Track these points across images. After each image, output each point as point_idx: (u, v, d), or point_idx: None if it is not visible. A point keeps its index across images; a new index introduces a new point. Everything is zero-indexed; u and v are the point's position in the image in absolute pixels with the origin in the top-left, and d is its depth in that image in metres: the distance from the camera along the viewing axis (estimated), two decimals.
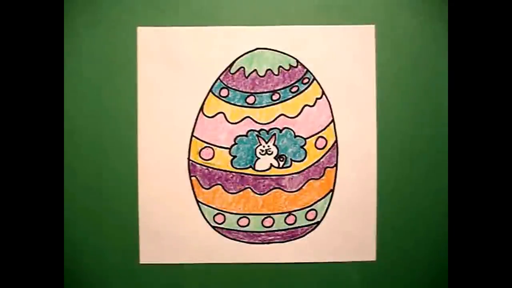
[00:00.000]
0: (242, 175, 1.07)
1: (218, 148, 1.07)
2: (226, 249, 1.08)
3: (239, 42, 1.07)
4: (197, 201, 1.07)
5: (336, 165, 1.07)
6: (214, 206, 1.07)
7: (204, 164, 1.07)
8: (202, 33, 1.07)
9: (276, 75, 1.07)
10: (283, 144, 1.07)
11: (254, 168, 1.07)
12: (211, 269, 1.08)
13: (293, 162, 1.07)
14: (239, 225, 1.08)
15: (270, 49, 1.07)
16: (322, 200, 1.08)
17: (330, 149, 1.07)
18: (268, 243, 1.08)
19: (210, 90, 1.07)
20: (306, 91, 1.07)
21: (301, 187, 1.07)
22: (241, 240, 1.08)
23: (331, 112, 1.07)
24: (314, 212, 1.08)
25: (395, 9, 1.07)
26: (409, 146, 1.08)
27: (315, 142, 1.07)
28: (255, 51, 1.07)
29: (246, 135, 1.07)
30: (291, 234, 1.08)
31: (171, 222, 1.07)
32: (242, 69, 1.07)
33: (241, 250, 1.08)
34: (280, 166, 1.07)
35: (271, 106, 1.07)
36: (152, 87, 1.07)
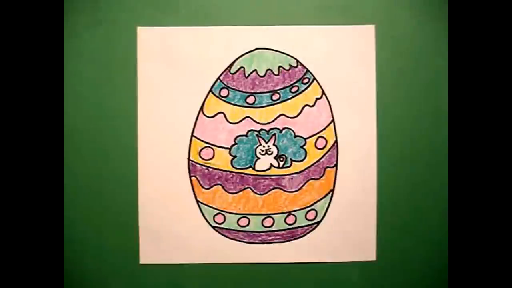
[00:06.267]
0: (242, 175, 1.07)
1: (218, 148, 1.07)
2: (226, 249, 1.08)
3: (239, 42, 1.07)
4: (197, 201, 1.07)
5: (336, 165, 1.07)
6: (214, 206, 1.07)
7: (204, 164, 1.07)
8: (202, 33, 1.07)
9: (276, 75, 1.07)
10: (283, 144, 1.07)
11: (254, 168, 1.07)
12: (211, 269, 1.08)
13: (293, 162, 1.07)
14: (239, 225, 1.08)
15: (270, 49, 1.07)
16: (322, 200, 1.08)
17: (330, 149, 1.07)
18: (268, 243, 1.08)
19: (210, 90, 1.07)
20: (306, 91, 1.07)
21: (301, 187, 1.07)
22: (241, 240, 1.08)
23: (331, 112, 1.07)
24: (314, 212, 1.08)
25: (395, 9, 1.07)
26: (409, 146, 1.08)
27: (315, 142, 1.07)
28: (255, 51, 1.07)
29: (246, 135, 1.07)
30: (291, 234, 1.08)
31: (171, 222, 1.07)
32: (242, 69, 1.07)
33: (241, 250, 1.08)
34: (280, 166, 1.07)
35: (271, 106, 1.07)
36: (152, 87, 1.07)
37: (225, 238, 1.08)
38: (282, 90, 1.07)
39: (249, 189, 1.07)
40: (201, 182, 1.07)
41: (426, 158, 1.08)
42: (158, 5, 1.07)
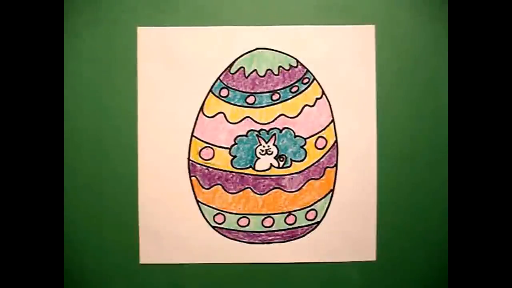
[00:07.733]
0: (242, 175, 1.07)
1: (218, 148, 1.07)
2: (226, 249, 1.08)
3: (239, 42, 1.07)
4: (197, 201, 1.07)
5: (336, 165, 1.07)
6: (214, 206, 1.07)
7: (204, 164, 1.07)
8: (202, 33, 1.07)
9: (276, 75, 1.07)
10: (283, 144, 1.07)
11: (254, 168, 1.07)
12: (211, 269, 1.08)
13: (293, 162, 1.07)
14: (239, 225, 1.08)
15: (270, 49, 1.07)
16: (322, 200, 1.08)
17: (330, 149, 1.07)
18: (268, 243, 1.08)
19: (210, 90, 1.07)
20: (306, 91, 1.07)
21: (301, 187, 1.07)
22: (241, 240, 1.08)
23: (331, 112, 1.07)
24: (314, 212, 1.08)
25: (395, 9, 1.07)
26: (409, 146, 1.08)
27: (315, 142, 1.07)
28: (255, 51, 1.07)
29: (246, 135, 1.07)
30: (291, 234, 1.08)
31: (171, 222, 1.07)
32: (242, 69, 1.07)
33: (241, 250, 1.08)
34: (280, 166, 1.07)
35: (271, 106, 1.07)
36: (152, 87, 1.07)
37: (225, 238, 1.08)
38: (282, 90, 1.07)
39: (249, 189, 1.07)
40: (201, 182, 1.07)
41: (426, 158, 1.08)
42: (158, 5, 1.07)
